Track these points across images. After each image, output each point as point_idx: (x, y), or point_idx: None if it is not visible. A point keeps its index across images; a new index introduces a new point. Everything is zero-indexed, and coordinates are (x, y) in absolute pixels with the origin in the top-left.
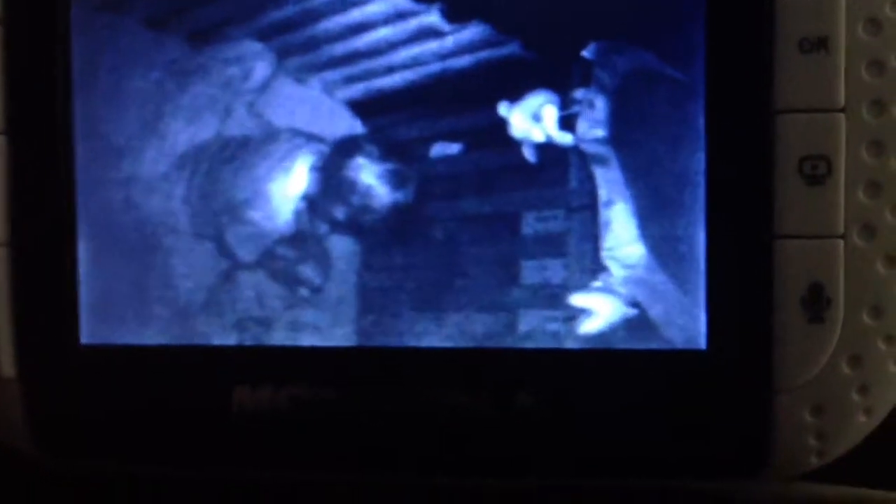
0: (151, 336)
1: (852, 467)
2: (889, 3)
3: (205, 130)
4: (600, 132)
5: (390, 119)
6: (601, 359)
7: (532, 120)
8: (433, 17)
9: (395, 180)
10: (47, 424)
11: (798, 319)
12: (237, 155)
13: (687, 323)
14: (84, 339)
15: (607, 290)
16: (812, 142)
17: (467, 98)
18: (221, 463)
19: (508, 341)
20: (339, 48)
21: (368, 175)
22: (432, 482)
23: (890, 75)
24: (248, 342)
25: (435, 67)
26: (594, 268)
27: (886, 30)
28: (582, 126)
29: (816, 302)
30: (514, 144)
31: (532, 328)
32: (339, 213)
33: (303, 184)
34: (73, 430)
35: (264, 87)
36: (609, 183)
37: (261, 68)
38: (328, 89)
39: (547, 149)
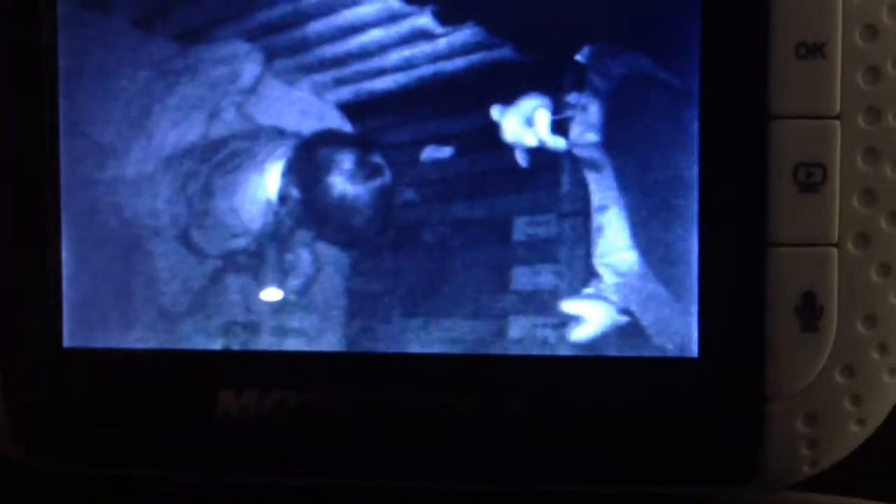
0: (135, 339)
1: (844, 477)
2: (886, 10)
3: (192, 131)
4: (593, 137)
5: (381, 122)
6: (592, 366)
7: (525, 124)
8: (425, 19)
9: (385, 184)
10: (30, 427)
11: (791, 328)
12: (224, 157)
13: (679, 331)
14: (67, 342)
15: (599, 296)
16: (807, 149)
17: (459, 101)
18: (204, 468)
19: (499, 348)
20: (330, 50)
21: (358, 178)
22: (420, 489)
23: (886, 82)
24: (233, 346)
25: (427, 70)
26: (586, 274)
27: (883, 36)
28: (575, 130)
29: (810, 310)
30: (507, 149)
31: (523, 335)
32: (328, 216)
33: (291, 187)
34: (55, 433)
35: (253, 88)
36: (602, 188)
37: (249, 69)
38: (318, 91)
39: (539, 153)
